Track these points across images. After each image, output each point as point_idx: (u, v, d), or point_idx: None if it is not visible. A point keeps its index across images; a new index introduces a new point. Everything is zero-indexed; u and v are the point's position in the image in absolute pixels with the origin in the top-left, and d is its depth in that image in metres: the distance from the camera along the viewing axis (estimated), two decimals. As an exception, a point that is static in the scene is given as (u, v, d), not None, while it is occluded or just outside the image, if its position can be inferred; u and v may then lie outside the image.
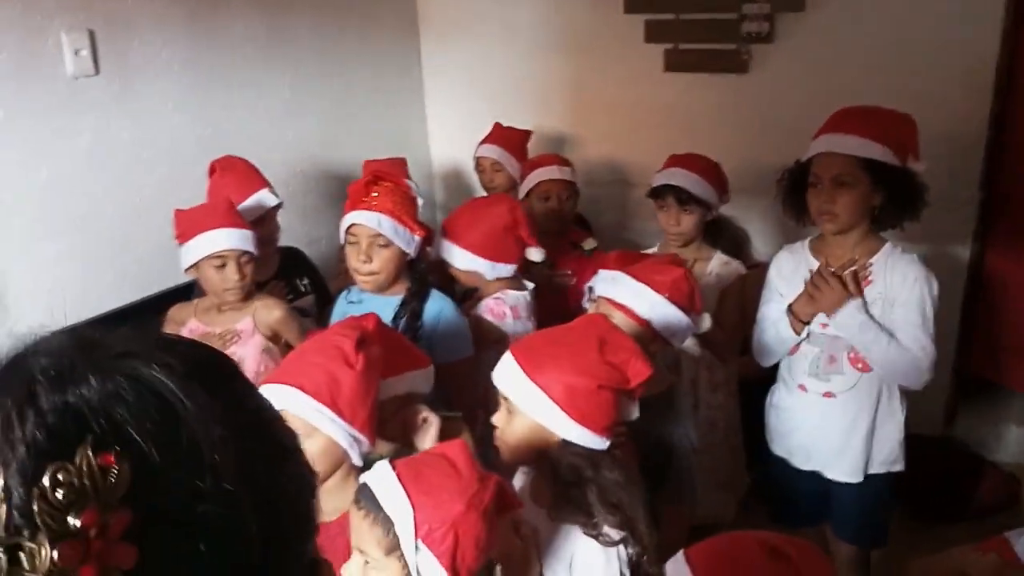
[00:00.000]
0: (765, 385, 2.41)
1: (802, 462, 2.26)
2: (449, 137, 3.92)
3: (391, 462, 1.30)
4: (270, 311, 2.28)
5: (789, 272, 2.24)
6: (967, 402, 3.44)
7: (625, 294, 1.91)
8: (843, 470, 2.20)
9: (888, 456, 2.21)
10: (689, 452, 1.94)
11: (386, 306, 2.20)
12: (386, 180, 2.24)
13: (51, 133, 2.35)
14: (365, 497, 1.28)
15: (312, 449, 1.47)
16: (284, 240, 2.65)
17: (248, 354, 2.22)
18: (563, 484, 1.50)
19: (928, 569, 2.29)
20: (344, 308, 2.32)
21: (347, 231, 2.23)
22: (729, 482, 2.52)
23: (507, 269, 2.35)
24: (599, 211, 3.67)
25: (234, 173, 2.48)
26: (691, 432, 1.99)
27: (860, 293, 2.09)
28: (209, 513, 0.44)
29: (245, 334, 2.27)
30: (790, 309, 2.17)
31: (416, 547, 1.22)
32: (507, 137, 3.21)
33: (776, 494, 2.38)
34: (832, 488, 2.25)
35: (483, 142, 3.23)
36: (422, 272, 2.27)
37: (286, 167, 3.09)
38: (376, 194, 2.21)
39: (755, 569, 1.16)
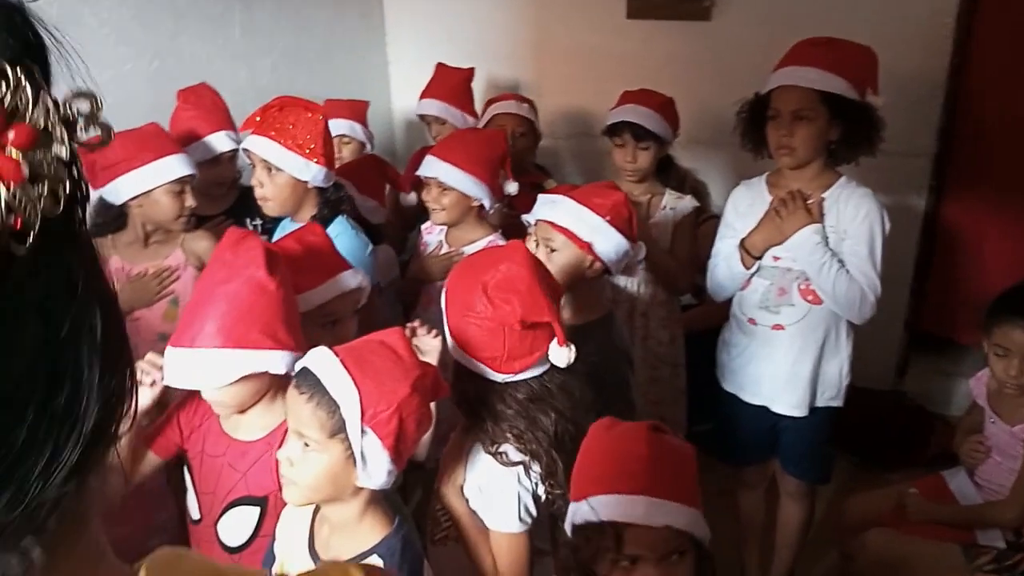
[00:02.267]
0: (710, 339, 2.44)
1: (751, 396, 2.29)
2: (411, 85, 3.84)
3: (332, 348, 1.28)
4: (197, 241, 2.24)
5: (745, 207, 2.24)
6: (918, 357, 3.47)
7: (565, 217, 1.89)
8: (789, 403, 2.23)
9: (832, 391, 2.24)
10: (628, 374, 1.93)
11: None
12: (295, 106, 2.17)
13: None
14: (307, 381, 1.27)
15: (241, 389, 1.44)
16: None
17: (186, 289, 2.18)
18: (471, 406, 1.53)
19: (867, 502, 2.34)
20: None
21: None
22: (673, 419, 2.53)
23: (496, 203, 2.37)
24: (559, 164, 3.64)
25: (201, 107, 2.44)
26: (630, 355, 1.99)
27: (820, 220, 2.10)
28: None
29: (179, 269, 2.22)
30: (742, 244, 2.17)
31: (362, 430, 1.22)
32: (448, 85, 3.06)
33: (726, 432, 2.41)
34: (779, 423, 2.27)
35: (423, 94, 3.10)
36: (332, 201, 2.19)
37: (236, 108, 3.02)
38: (274, 120, 2.14)
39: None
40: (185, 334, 1.44)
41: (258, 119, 2.15)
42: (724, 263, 2.23)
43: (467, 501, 1.53)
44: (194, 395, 1.61)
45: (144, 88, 2.67)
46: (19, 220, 0.34)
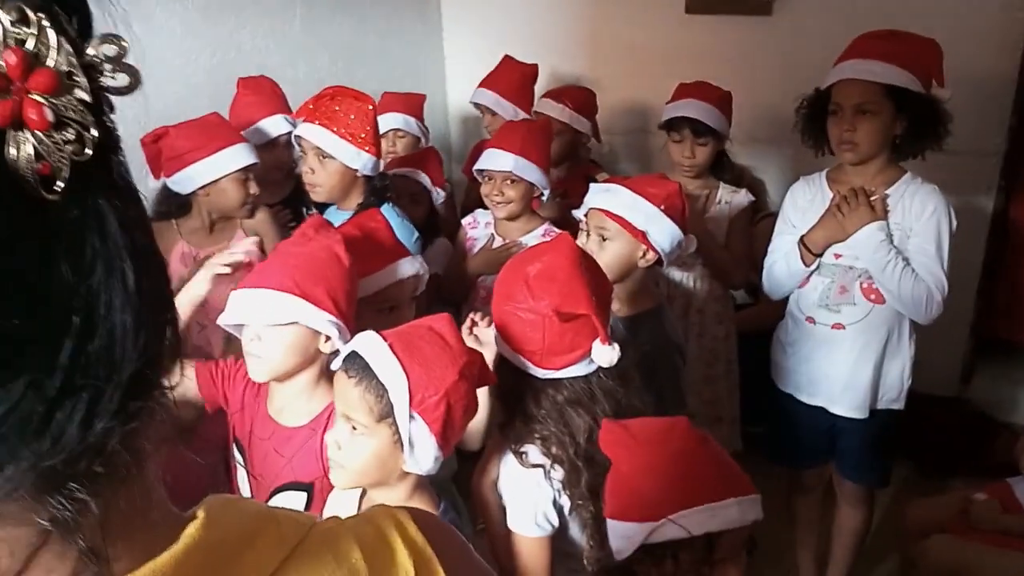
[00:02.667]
0: (762, 341, 2.39)
1: (809, 397, 2.24)
2: (468, 78, 3.85)
3: (380, 333, 1.29)
4: (256, 222, 2.29)
5: (804, 204, 2.20)
6: (984, 362, 3.36)
7: (619, 205, 1.86)
8: (849, 405, 2.17)
9: (893, 393, 2.18)
10: (679, 365, 1.90)
11: (340, 220, 2.13)
12: (345, 96, 2.22)
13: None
14: (355, 365, 1.27)
15: (287, 347, 1.46)
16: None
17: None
18: (505, 405, 1.50)
19: (930, 507, 2.27)
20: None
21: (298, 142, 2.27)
22: (729, 416, 2.49)
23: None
24: (615, 160, 3.61)
25: (260, 93, 2.51)
26: (682, 347, 1.96)
27: (884, 216, 2.04)
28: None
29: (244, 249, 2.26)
30: (802, 240, 2.12)
31: (410, 415, 1.22)
32: (508, 79, 3.06)
33: (781, 433, 2.35)
34: (837, 424, 2.22)
35: (481, 83, 3.10)
36: (379, 189, 2.24)
37: (295, 102, 3.06)
38: (326, 109, 2.19)
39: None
40: (252, 279, 1.51)
41: (311, 107, 2.20)
42: (783, 260, 2.18)
43: (500, 497, 1.51)
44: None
45: (205, 80, 2.73)
46: (47, 166, 0.34)
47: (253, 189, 2.21)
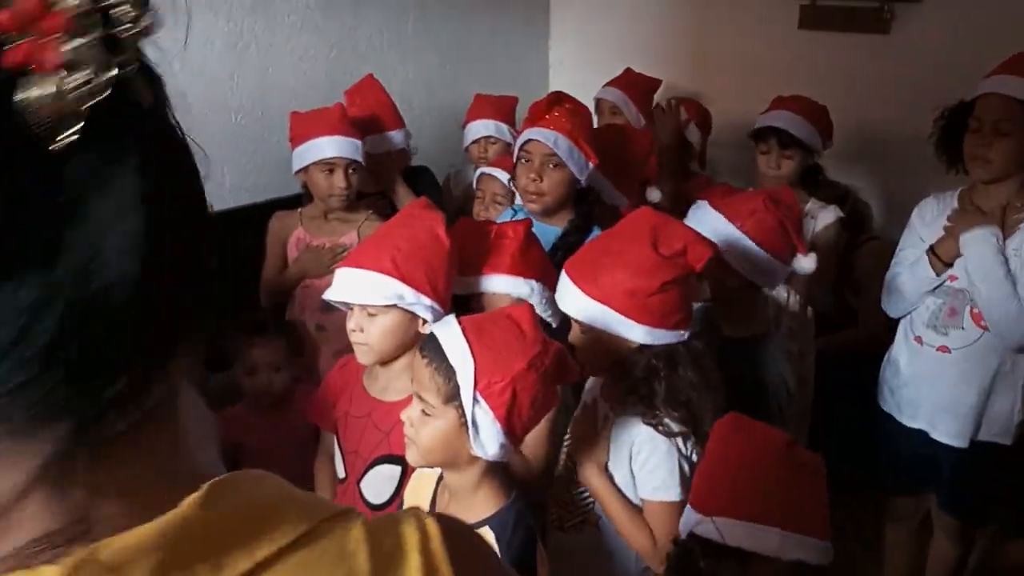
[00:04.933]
0: (849, 364, 2.32)
1: (910, 419, 2.17)
2: (571, 87, 3.88)
3: (459, 318, 1.32)
4: (374, 227, 2.34)
5: (931, 218, 2.14)
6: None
7: (705, 225, 1.79)
8: (949, 431, 2.09)
9: (999, 427, 2.08)
10: (784, 398, 1.85)
11: (546, 235, 2.08)
12: (568, 102, 2.18)
13: (189, 35, 2.47)
14: (430, 347, 1.30)
15: (387, 331, 1.52)
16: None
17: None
18: (633, 381, 1.49)
19: (1031, 550, 2.16)
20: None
21: (521, 148, 2.14)
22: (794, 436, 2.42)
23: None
24: (719, 174, 3.57)
25: (365, 107, 2.53)
26: (788, 378, 1.89)
27: (1000, 226, 1.97)
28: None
29: (351, 249, 2.34)
30: (931, 250, 2.07)
31: (474, 398, 1.24)
32: (633, 83, 3.12)
33: (879, 454, 2.28)
34: (938, 453, 2.14)
35: (607, 84, 3.16)
36: (589, 205, 2.18)
37: (404, 101, 3.15)
38: (557, 114, 2.13)
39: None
40: (356, 258, 1.58)
41: (556, 114, 2.14)
42: (908, 271, 2.12)
43: (611, 478, 1.52)
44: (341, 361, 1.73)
45: (323, 75, 2.85)
46: (57, 109, 0.34)
47: (339, 182, 2.25)
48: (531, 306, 1.40)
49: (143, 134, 0.38)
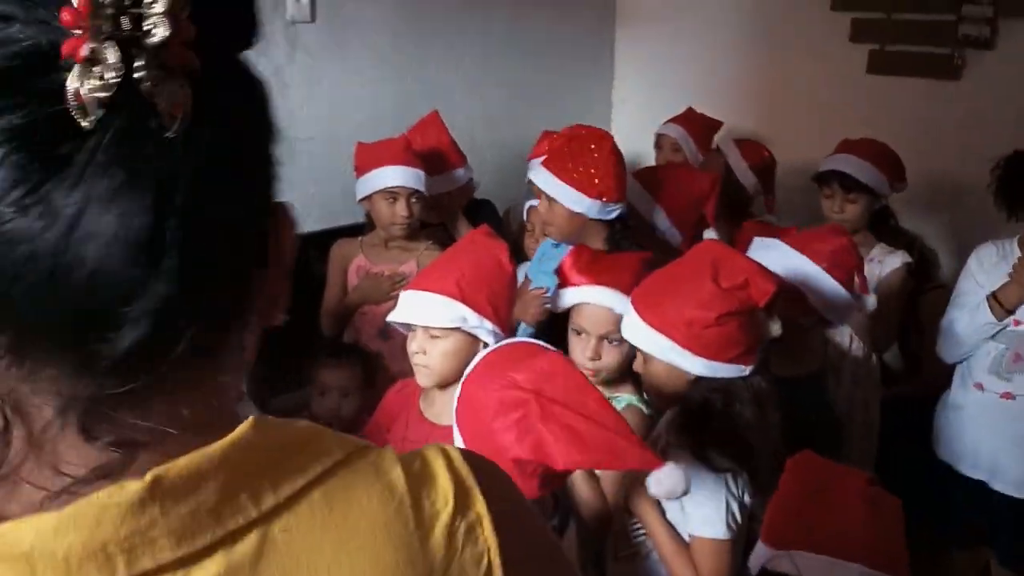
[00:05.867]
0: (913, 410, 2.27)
1: (969, 468, 2.12)
2: (634, 126, 3.92)
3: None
4: (433, 257, 2.39)
5: (990, 264, 2.13)
6: None
7: (779, 263, 1.81)
8: (1011, 481, 2.05)
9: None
10: (837, 437, 1.83)
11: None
12: (576, 139, 2.23)
13: (264, 71, 2.57)
14: None
15: (449, 354, 1.55)
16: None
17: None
18: (686, 413, 1.50)
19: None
20: (546, 250, 2.36)
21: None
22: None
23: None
24: (787, 219, 3.53)
25: (426, 145, 2.56)
26: (842, 422, 1.88)
27: None
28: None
29: (410, 278, 2.39)
30: (994, 295, 2.04)
31: None
32: (694, 122, 3.16)
33: (935, 506, 2.21)
34: (997, 504, 2.08)
35: (669, 120, 3.20)
36: (615, 233, 2.19)
37: (467, 135, 3.21)
38: (559, 151, 2.20)
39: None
40: (421, 281, 1.63)
41: (547, 148, 2.24)
42: (966, 316, 2.10)
43: (663, 512, 1.51)
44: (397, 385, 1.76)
45: (390, 108, 2.92)
46: (85, 98, 0.37)
47: (401, 211, 2.29)
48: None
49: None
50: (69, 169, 0.37)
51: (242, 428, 0.44)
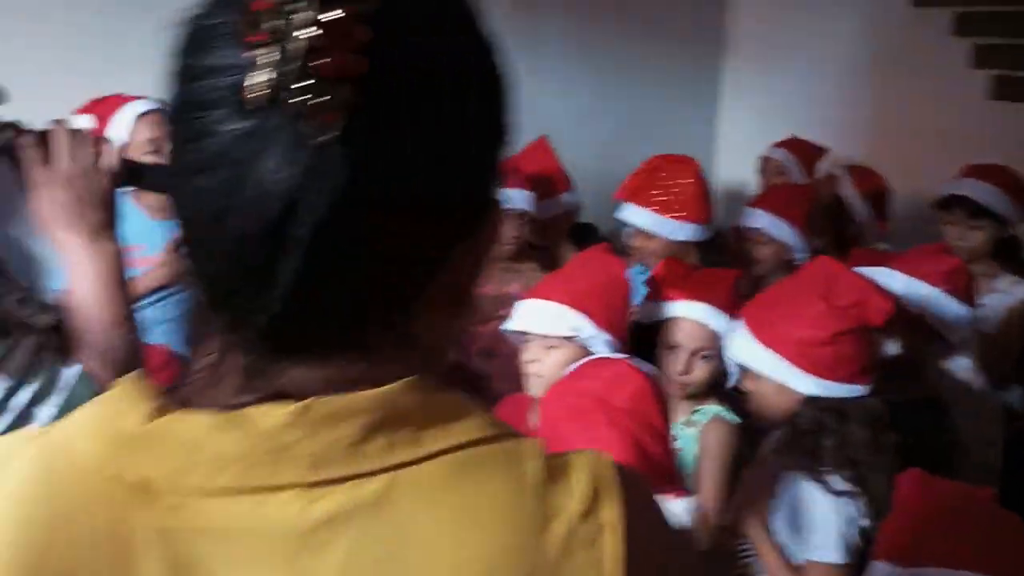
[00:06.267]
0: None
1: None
2: (737, 156, 3.88)
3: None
4: (537, 279, 2.43)
5: None
6: None
7: (891, 287, 1.74)
8: None
9: None
10: (957, 462, 1.75)
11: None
12: (659, 169, 2.35)
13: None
14: None
15: (562, 365, 1.58)
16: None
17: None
18: (799, 434, 1.47)
19: None
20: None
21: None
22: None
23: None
24: (902, 247, 3.42)
25: (537, 170, 2.63)
26: (962, 448, 1.79)
27: None
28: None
29: (515, 298, 2.43)
30: None
31: None
32: (800, 147, 3.11)
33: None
34: None
35: (775, 144, 3.17)
36: (708, 252, 2.31)
37: (574, 162, 3.26)
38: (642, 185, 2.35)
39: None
40: (539, 291, 1.68)
41: (631, 184, 2.36)
42: None
43: (774, 534, 1.49)
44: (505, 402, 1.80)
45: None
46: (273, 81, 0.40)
47: (511, 231, 2.34)
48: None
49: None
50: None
51: (398, 384, 0.46)
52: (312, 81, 0.40)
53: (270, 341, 0.45)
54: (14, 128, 0.98)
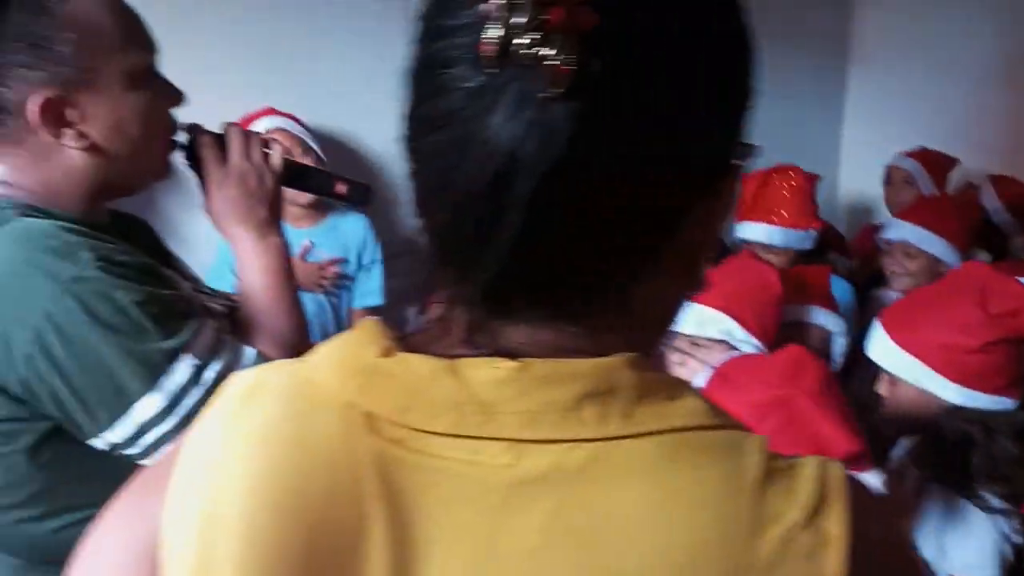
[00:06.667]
0: None
1: None
2: (862, 165, 3.76)
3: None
4: None
5: None
6: None
7: None
8: None
9: None
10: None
11: None
12: (765, 182, 2.38)
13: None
14: None
15: (709, 361, 1.58)
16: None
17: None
18: (946, 447, 1.41)
19: None
20: None
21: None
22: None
23: None
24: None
25: None
26: None
27: None
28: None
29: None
30: None
31: None
32: (930, 158, 2.99)
33: None
34: None
35: (902, 153, 3.06)
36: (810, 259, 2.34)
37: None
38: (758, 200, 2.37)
39: None
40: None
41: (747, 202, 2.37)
42: None
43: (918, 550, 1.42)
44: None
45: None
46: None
47: None
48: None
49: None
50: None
51: (616, 357, 0.45)
52: (541, 34, 0.39)
53: (490, 300, 0.46)
54: (196, 129, 1.05)
